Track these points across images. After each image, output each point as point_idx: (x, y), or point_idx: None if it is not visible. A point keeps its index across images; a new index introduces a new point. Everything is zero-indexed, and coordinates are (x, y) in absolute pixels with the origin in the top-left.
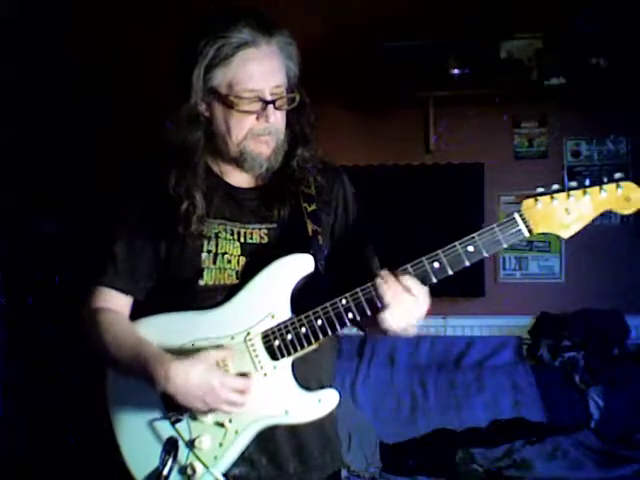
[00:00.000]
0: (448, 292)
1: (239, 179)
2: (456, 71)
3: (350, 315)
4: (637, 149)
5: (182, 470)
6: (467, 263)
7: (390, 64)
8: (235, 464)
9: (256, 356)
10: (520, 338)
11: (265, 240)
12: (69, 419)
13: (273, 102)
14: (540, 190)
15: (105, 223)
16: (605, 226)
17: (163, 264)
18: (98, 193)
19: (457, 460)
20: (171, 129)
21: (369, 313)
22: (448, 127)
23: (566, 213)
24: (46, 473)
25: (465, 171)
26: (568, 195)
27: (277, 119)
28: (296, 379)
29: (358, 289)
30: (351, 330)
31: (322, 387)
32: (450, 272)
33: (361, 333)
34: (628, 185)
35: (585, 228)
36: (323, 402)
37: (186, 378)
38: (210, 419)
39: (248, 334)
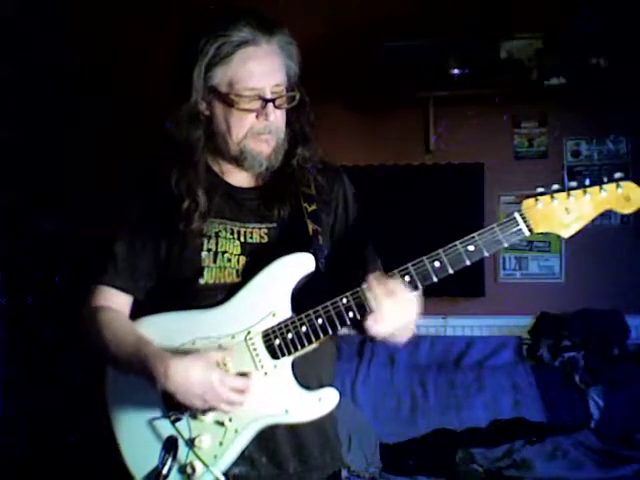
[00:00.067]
0: (448, 292)
1: (239, 179)
2: (456, 71)
3: (351, 314)
4: (637, 149)
5: (182, 469)
6: (468, 262)
7: (390, 64)
8: (235, 463)
9: (256, 355)
10: (520, 338)
11: (265, 240)
12: (69, 419)
13: (273, 100)
14: (540, 190)
15: (105, 223)
16: (605, 226)
17: (163, 264)
18: (98, 193)
19: (457, 460)
20: (172, 128)
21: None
22: (448, 127)
23: (566, 213)
24: (46, 473)
25: (465, 171)
26: (568, 195)
27: (277, 118)
28: (296, 378)
29: (348, 293)
30: (351, 330)
31: (322, 386)
32: (451, 271)
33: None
34: (628, 185)
35: (585, 228)
36: (323, 401)
37: (186, 376)
38: (210, 418)
39: (249, 333)
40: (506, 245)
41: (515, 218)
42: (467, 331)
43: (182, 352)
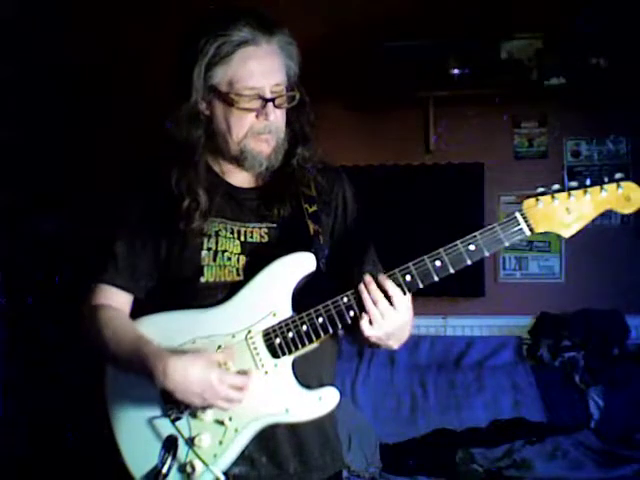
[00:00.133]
0: (448, 292)
1: (240, 179)
2: (456, 71)
3: (352, 313)
4: (637, 149)
5: (181, 468)
6: (469, 262)
7: (390, 64)
8: (235, 463)
9: (257, 354)
10: (520, 338)
11: (265, 239)
12: (69, 419)
13: (273, 100)
14: (541, 190)
15: (105, 223)
16: (605, 226)
17: (163, 263)
18: (98, 193)
19: (457, 460)
20: (172, 128)
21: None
22: (448, 127)
23: (567, 212)
24: (46, 473)
25: (465, 171)
26: (569, 194)
27: (277, 117)
28: (297, 377)
29: (349, 292)
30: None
31: (323, 386)
32: (452, 270)
33: None
34: (628, 185)
35: (585, 228)
36: (324, 400)
37: (185, 374)
38: (210, 417)
39: (249, 332)
40: (507, 244)
41: (516, 217)
42: (467, 331)
43: (182, 351)
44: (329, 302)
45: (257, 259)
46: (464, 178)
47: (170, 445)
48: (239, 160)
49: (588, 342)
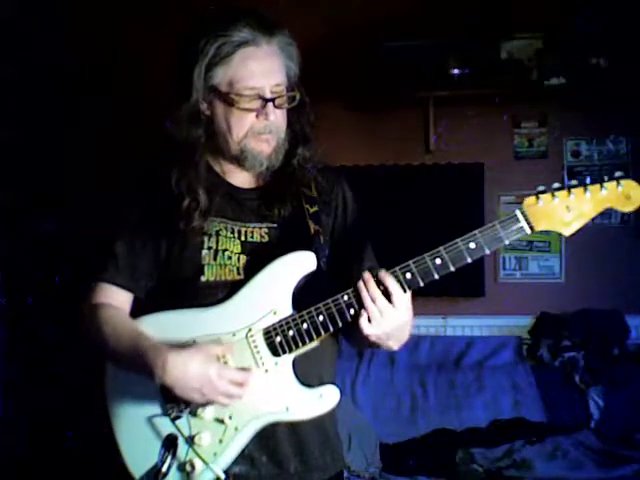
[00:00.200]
0: (448, 292)
1: (240, 179)
2: (456, 71)
3: (352, 311)
4: (637, 149)
5: (181, 467)
6: (469, 260)
7: (390, 64)
8: (235, 462)
9: (257, 352)
10: (520, 338)
11: (266, 239)
12: (69, 419)
13: (273, 100)
14: (541, 189)
15: (105, 223)
16: (605, 226)
17: (164, 263)
18: (98, 193)
19: (457, 460)
20: (172, 128)
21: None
22: (448, 127)
23: (567, 211)
24: (46, 473)
25: (465, 171)
26: (569, 193)
27: (277, 117)
28: (297, 376)
29: (349, 290)
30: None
31: (323, 384)
32: (452, 268)
33: None
34: (628, 183)
35: (585, 227)
36: (324, 398)
37: (184, 370)
38: (210, 415)
39: (250, 330)
40: (507, 243)
41: (516, 215)
42: (467, 331)
43: (181, 347)
44: (329, 300)
45: (257, 258)
46: (464, 178)
47: (170, 444)
48: (239, 160)
49: (588, 342)
